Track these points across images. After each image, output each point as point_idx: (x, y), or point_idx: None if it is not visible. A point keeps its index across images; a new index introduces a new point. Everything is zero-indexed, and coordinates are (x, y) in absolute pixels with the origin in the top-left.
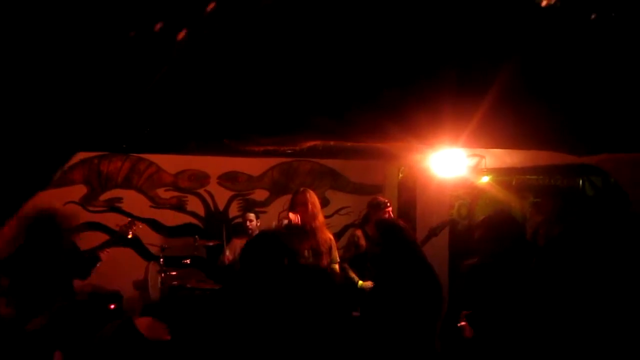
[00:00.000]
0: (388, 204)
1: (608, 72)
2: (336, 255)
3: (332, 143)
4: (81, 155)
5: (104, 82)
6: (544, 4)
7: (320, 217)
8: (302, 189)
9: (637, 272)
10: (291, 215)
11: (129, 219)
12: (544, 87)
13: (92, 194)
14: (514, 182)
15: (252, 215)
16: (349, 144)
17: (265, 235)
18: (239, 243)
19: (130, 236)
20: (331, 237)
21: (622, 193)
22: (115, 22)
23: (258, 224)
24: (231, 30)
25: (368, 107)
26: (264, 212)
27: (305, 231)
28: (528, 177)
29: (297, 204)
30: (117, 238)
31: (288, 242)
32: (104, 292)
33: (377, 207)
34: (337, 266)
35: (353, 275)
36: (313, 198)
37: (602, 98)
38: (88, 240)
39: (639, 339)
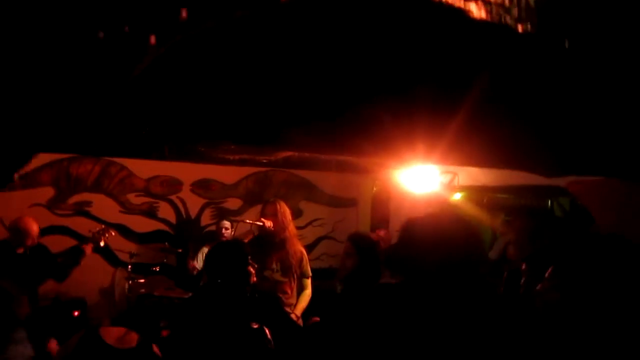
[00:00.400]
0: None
1: (578, 98)
2: (308, 269)
3: (307, 155)
4: (50, 157)
5: (68, 82)
6: (520, 30)
7: (291, 228)
8: (272, 199)
9: (609, 292)
10: (264, 220)
11: (100, 225)
12: (517, 108)
13: (60, 196)
14: (485, 200)
15: (227, 224)
16: (323, 156)
17: (230, 243)
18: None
19: (102, 244)
20: (302, 249)
21: (588, 216)
22: (83, 22)
23: (233, 233)
24: (207, 38)
25: (343, 122)
26: (237, 221)
27: (274, 242)
28: (499, 195)
29: (267, 214)
30: (87, 244)
31: (254, 252)
32: (68, 298)
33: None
34: (309, 281)
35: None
36: (283, 208)
37: (572, 122)
38: (54, 244)
39: None
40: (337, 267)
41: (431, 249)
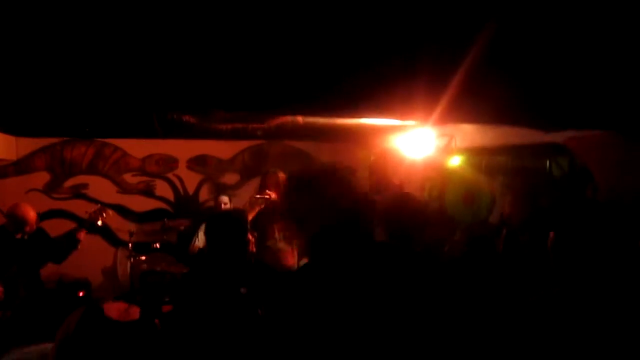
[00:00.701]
0: None
1: (577, 50)
2: None
3: (300, 121)
4: (43, 142)
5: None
6: None
7: None
8: (272, 170)
9: (606, 253)
10: (269, 193)
11: (97, 205)
12: (514, 63)
13: (56, 181)
14: (483, 163)
15: (225, 199)
16: (318, 122)
17: (228, 213)
18: None
19: (100, 223)
20: None
21: (587, 174)
22: None
23: (231, 207)
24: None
25: (339, 84)
26: (235, 195)
27: (276, 212)
28: (498, 157)
29: (268, 186)
30: (86, 225)
31: (258, 221)
32: (72, 279)
33: None
34: None
35: None
36: (283, 179)
37: (569, 76)
38: (53, 228)
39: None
40: None
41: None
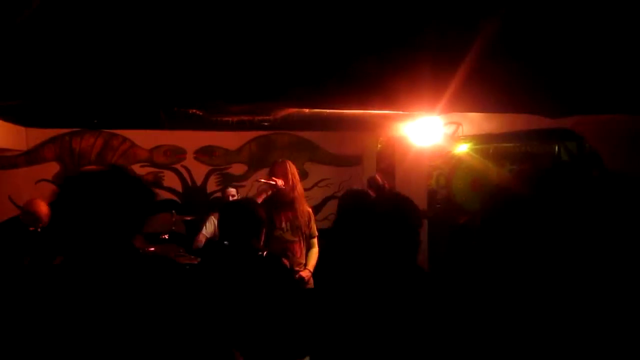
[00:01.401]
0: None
1: (581, 36)
2: (314, 229)
3: (306, 111)
4: (51, 133)
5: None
6: None
7: (299, 189)
8: (280, 159)
9: (615, 240)
10: (276, 179)
11: None
12: (519, 50)
13: (65, 171)
14: (491, 150)
15: (233, 190)
16: (324, 112)
17: (241, 203)
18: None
19: None
20: (309, 210)
21: (596, 158)
22: None
23: (244, 197)
24: None
25: (344, 75)
26: (243, 186)
27: (284, 202)
28: (505, 144)
29: (276, 175)
30: None
31: (265, 211)
32: None
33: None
34: (315, 240)
35: None
36: (292, 169)
37: (575, 60)
38: None
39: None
40: None
41: None
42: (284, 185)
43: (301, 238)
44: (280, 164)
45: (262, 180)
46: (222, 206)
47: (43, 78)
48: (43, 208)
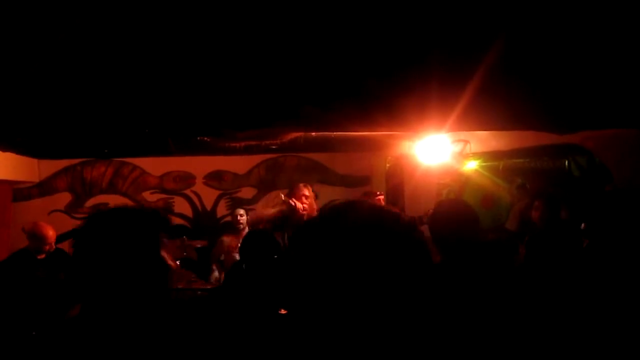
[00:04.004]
0: (378, 193)
1: (587, 52)
2: None
3: (313, 135)
4: (63, 163)
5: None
6: None
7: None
8: (302, 183)
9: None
10: (295, 201)
11: None
12: (525, 68)
13: (77, 201)
14: (501, 167)
15: (241, 211)
16: (332, 134)
17: (256, 233)
18: (227, 241)
19: None
20: None
21: (606, 172)
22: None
23: (248, 219)
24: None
25: (352, 96)
26: (252, 209)
27: (295, 224)
28: (515, 160)
29: (297, 197)
30: None
31: (279, 235)
32: None
33: (368, 195)
34: None
35: None
36: (312, 194)
37: (581, 77)
38: None
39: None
40: None
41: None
42: (302, 210)
43: None
44: (302, 187)
45: (283, 196)
46: (244, 237)
47: (55, 112)
48: (49, 231)
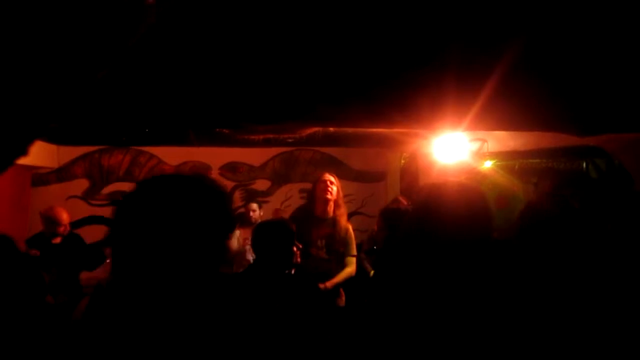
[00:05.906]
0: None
1: (609, 53)
2: (353, 247)
3: (332, 130)
4: (82, 150)
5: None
6: None
7: (343, 208)
8: (328, 174)
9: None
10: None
11: None
12: (546, 67)
13: (94, 187)
14: (517, 167)
15: (254, 205)
16: (348, 130)
17: (275, 223)
18: (238, 233)
19: None
20: (349, 227)
21: (625, 175)
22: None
23: (261, 214)
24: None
25: (369, 93)
26: (267, 201)
27: (322, 219)
28: (531, 160)
29: (326, 187)
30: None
31: (300, 229)
32: None
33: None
34: (353, 259)
35: (367, 265)
36: (339, 184)
37: (604, 78)
38: (91, 234)
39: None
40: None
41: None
42: (322, 208)
43: (336, 257)
44: (326, 175)
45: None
46: (255, 228)
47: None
48: (63, 214)
